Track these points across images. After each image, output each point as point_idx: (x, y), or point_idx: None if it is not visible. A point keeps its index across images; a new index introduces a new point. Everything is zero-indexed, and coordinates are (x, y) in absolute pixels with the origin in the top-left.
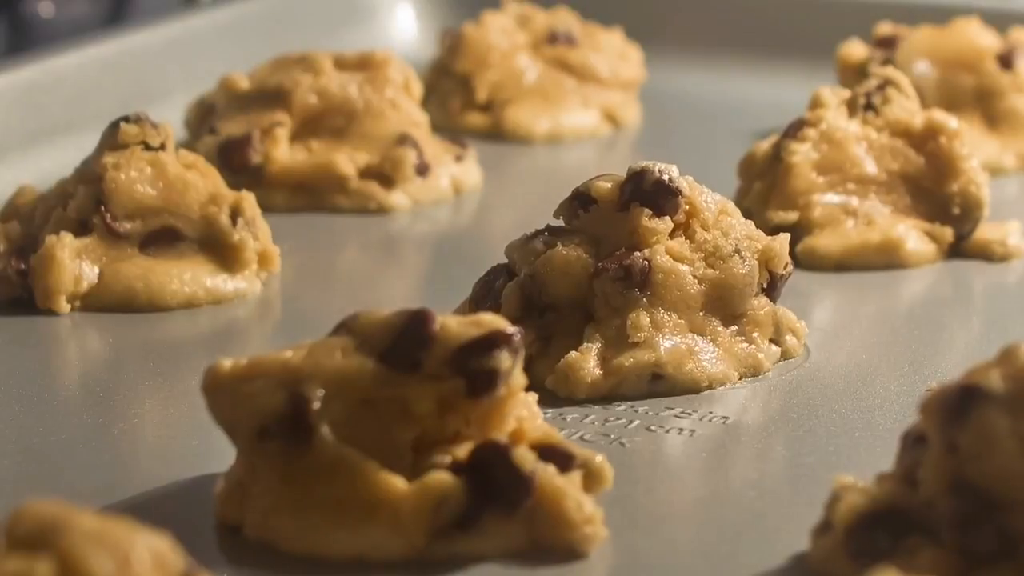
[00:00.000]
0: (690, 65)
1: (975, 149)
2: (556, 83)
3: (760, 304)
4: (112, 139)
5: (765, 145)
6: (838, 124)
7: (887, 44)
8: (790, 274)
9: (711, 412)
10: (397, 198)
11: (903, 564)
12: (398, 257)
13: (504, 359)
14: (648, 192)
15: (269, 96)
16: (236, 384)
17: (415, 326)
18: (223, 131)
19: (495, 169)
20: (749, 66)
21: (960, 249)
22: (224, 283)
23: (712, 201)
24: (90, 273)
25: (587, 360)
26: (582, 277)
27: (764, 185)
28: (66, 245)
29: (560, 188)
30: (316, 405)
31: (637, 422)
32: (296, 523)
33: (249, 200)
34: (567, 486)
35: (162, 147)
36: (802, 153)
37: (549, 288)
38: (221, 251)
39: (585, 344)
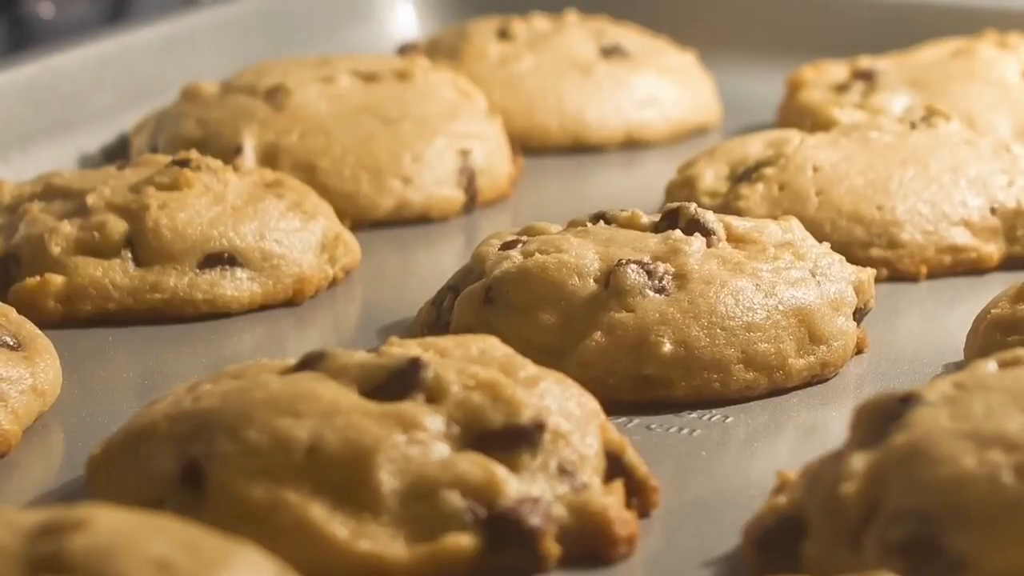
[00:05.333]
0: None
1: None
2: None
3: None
4: (168, 179)
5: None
6: (810, 155)
7: (865, 76)
8: (871, 308)
9: (712, 411)
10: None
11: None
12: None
13: (527, 457)
14: (682, 228)
15: (258, 98)
16: (119, 459)
17: (410, 371)
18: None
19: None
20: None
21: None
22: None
23: (773, 236)
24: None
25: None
26: (575, 286)
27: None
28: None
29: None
30: (212, 455)
31: (637, 420)
32: None
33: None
34: (607, 506)
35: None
36: (754, 198)
37: (518, 295)
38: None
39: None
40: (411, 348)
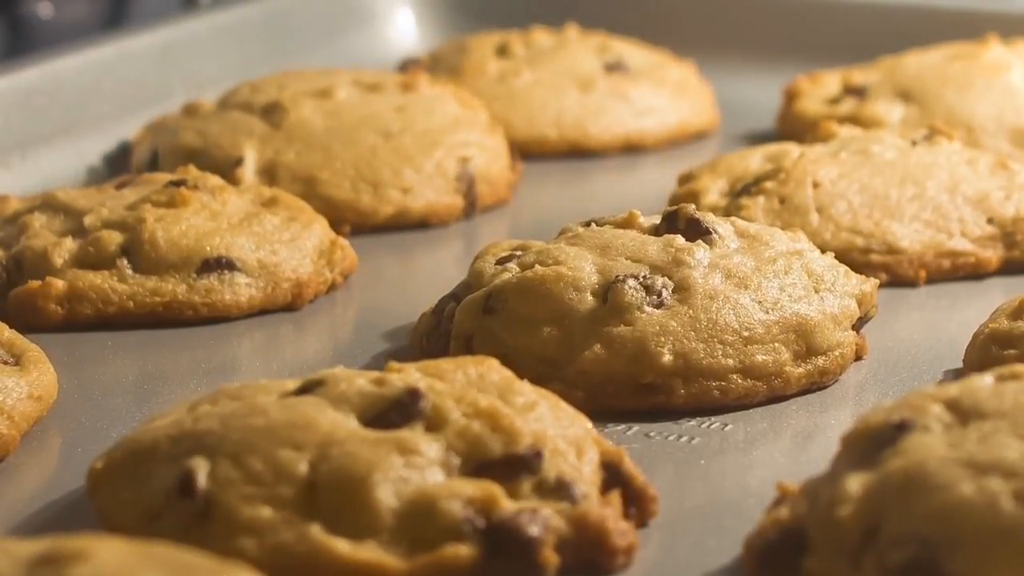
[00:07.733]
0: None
1: None
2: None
3: (847, 339)
4: (165, 198)
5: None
6: (809, 169)
7: (856, 92)
8: (872, 317)
9: (711, 419)
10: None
11: None
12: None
13: (527, 485)
14: (681, 230)
15: (255, 113)
16: (120, 475)
17: (409, 401)
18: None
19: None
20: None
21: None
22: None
23: (781, 240)
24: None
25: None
26: (572, 300)
27: None
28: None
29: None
30: (206, 473)
31: (636, 428)
32: None
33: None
34: (605, 517)
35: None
36: (755, 210)
37: (517, 306)
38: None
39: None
40: (410, 374)
